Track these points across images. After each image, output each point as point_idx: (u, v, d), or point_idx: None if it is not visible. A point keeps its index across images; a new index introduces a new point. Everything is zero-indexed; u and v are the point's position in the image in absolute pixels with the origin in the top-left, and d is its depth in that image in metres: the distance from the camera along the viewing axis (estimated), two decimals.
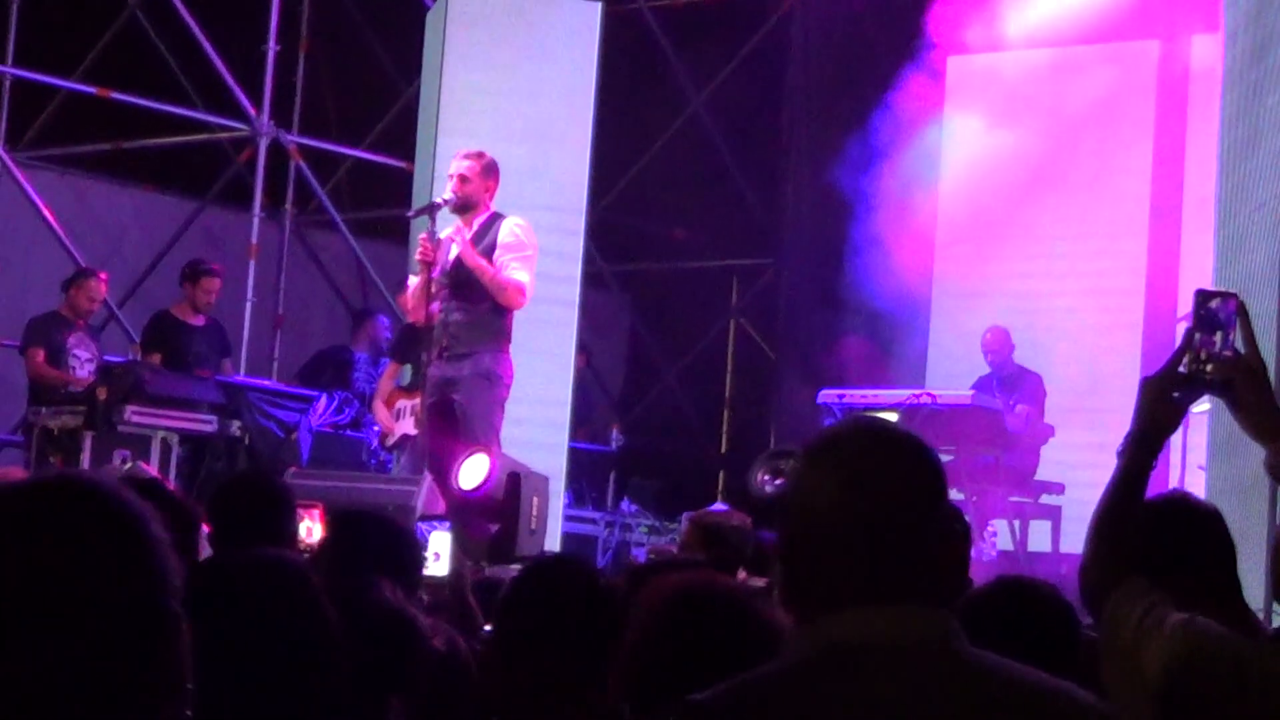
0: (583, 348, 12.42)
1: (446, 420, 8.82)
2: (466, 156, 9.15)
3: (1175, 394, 2.80)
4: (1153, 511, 3.16)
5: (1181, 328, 10.33)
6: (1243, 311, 2.82)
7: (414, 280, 9.26)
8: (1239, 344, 2.83)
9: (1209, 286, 2.91)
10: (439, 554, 4.58)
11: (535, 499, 8.39)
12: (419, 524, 4.65)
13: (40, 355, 10.74)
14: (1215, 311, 2.82)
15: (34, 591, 1.74)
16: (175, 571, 1.80)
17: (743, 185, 15.44)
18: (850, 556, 2.17)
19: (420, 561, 4.63)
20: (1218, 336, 2.80)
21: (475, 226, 9.00)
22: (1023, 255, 12.72)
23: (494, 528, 8.28)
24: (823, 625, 2.18)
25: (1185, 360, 2.80)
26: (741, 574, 6.39)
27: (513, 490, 8.29)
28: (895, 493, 2.19)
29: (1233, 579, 3.62)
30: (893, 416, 9.87)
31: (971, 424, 10.50)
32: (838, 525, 2.19)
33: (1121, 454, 2.84)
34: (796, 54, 15.21)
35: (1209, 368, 2.79)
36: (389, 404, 10.92)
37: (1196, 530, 3.63)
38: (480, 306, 8.88)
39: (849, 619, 2.16)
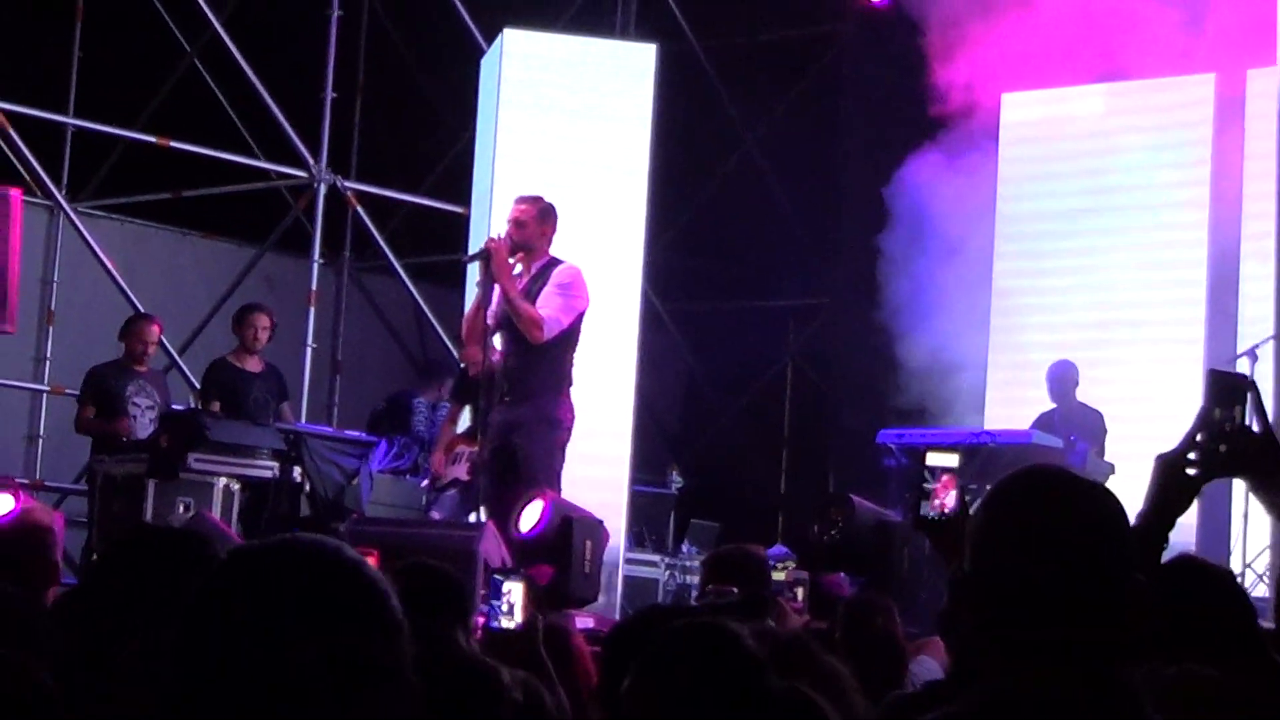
0: None
1: (508, 466, 8.82)
2: (522, 201, 9.17)
3: (1190, 472, 2.76)
4: (1164, 577, 3.03)
5: (1243, 364, 10.25)
6: (1255, 390, 2.83)
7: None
8: (1253, 423, 2.82)
9: (1221, 367, 2.92)
10: (513, 605, 4.52)
11: (588, 543, 8.32)
12: (494, 575, 4.61)
13: (90, 411, 10.81)
14: (1229, 390, 2.81)
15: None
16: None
17: (797, 224, 15.44)
18: (1040, 611, 2.14)
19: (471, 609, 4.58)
20: (1236, 412, 2.79)
21: (533, 271, 9.03)
22: (1080, 292, 12.65)
23: (550, 572, 8.26)
24: (1002, 675, 2.14)
25: (1200, 438, 2.79)
26: (805, 617, 6.34)
27: (564, 534, 8.25)
28: (1088, 548, 2.16)
29: (1255, 636, 3.51)
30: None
31: (1033, 462, 10.40)
32: (1028, 578, 2.15)
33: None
34: (849, 92, 15.22)
35: (1223, 446, 2.77)
36: (449, 449, 10.85)
37: (1210, 592, 3.53)
38: (539, 350, 8.90)
39: (1029, 673, 2.12)
